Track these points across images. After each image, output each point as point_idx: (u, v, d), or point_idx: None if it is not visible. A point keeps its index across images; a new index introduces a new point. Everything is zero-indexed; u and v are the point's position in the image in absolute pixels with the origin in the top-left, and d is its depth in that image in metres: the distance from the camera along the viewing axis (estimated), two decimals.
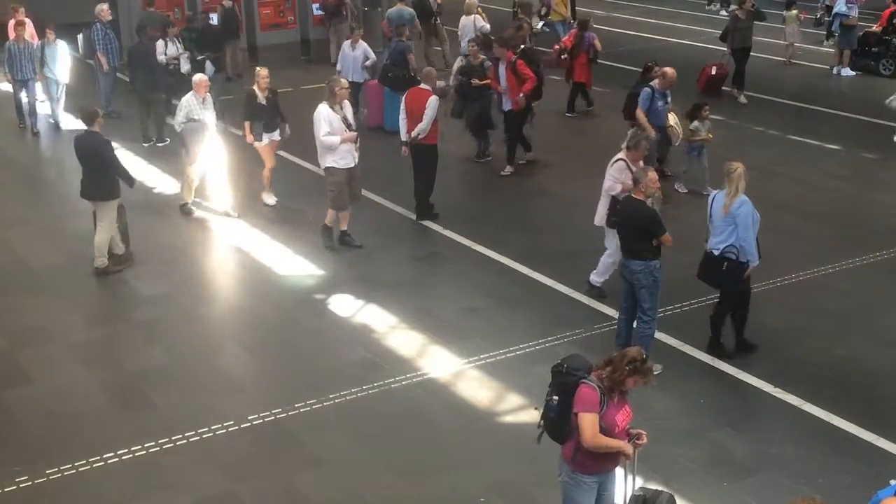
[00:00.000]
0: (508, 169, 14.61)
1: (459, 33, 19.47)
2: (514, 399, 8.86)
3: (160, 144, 16.12)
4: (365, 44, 16.99)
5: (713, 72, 18.75)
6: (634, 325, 9.24)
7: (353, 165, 11.76)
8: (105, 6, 17.70)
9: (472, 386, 9.07)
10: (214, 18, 19.95)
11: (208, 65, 16.68)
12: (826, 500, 5.12)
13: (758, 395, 8.88)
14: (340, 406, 8.75)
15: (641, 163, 10.15)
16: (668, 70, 13.35)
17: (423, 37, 20.98)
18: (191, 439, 8.26)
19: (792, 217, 12.99)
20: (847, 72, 20.67)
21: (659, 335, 9.43)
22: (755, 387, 8.98)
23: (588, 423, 5.93)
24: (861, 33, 20.96)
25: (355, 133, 11.77)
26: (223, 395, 8.97)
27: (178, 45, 16.85)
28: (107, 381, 9.29)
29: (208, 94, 13.01)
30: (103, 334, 10.15)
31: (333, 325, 10.36)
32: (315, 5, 23.91)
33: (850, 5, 20.46)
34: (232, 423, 8.46)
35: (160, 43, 16.57)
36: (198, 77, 13.03)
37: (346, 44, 17.11)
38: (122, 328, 10.29)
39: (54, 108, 17.20)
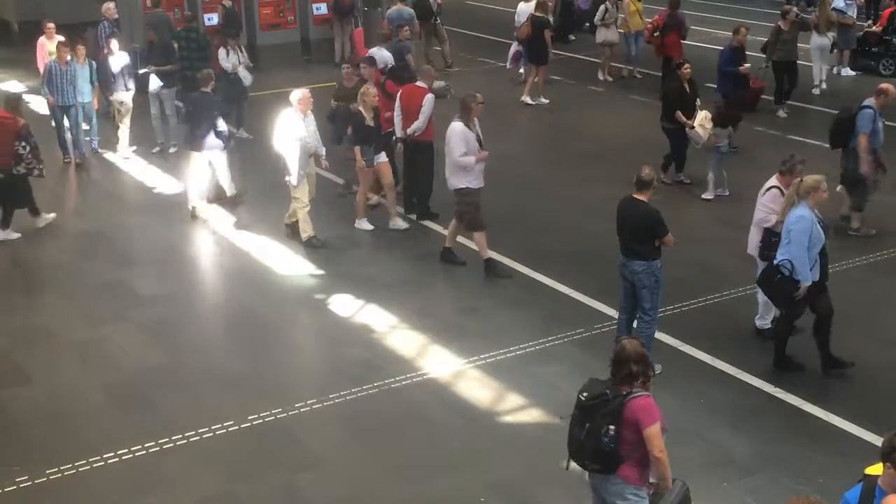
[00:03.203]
0: (375, 198, 13.11)
1: (516, 20, 19.63)
2: (514, 399, 8.86)
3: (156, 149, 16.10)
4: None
5: (751, 85, 17.54)
6: (634, 324, 9.24)
7: (482, 185, 11.21)
8: (111, 4, 17.66)
9: (472, 386, 9.07)
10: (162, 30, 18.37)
11: (153, 78, 15.88)
12: (824, 499, 5.12)
13: (758, 395, 8.88)
14: (340, 406, 8.75)
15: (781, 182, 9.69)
16: (889, 87, 12.39)
17: (423, 37, 21.00)
18: (191, 439, 8.26)
19: None
20: (847, 72, 20.63)
21: (659, 335, 9.43)
22: (755, 387, 8.98)
23: (658, 435, 5.80)
24: (861, 33, 20.94)
25: (487, 153, 11.19)
26: (223, 395, 8.97)
27: (241, 53, 16.45)
28: (107, 381, 9.29)
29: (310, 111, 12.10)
30: (103, 334, 10.15)
31: (333, 325, 10.36)
32: (315, 5, 23.90)
33: (847, 4, 20.40)
34: (232, 423, 8.46)
35: (221, 51, 16.35)
36: (300, 92, 12.00)
37: (380, 49, 15.59)
38: (122, 328, 10.28)
39: (91, 138, 15.86)
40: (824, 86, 19.04)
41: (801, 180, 8.86)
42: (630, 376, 5.91)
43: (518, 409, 8.73)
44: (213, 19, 20.81)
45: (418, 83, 12.81)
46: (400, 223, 12.59)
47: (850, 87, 19.82)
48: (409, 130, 12.50)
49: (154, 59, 16.31)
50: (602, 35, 20.24)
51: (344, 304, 10.71)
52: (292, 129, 11.78)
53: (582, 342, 9.78)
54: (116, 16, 17.87)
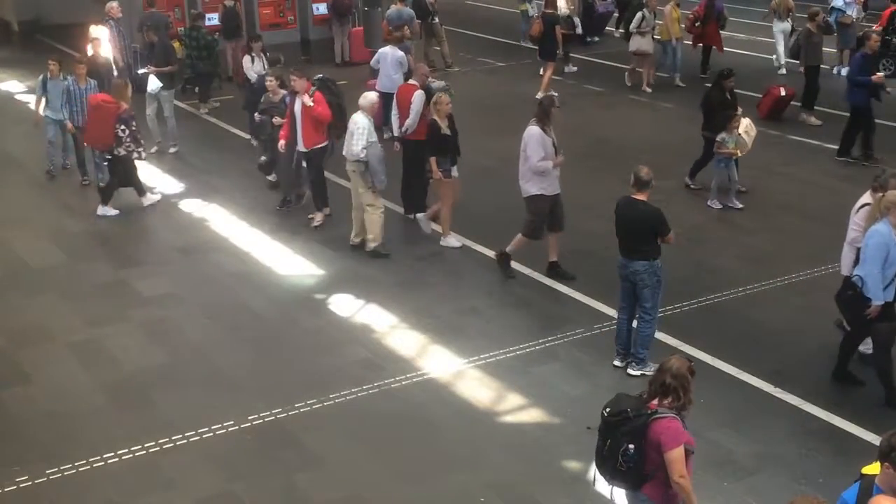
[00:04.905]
0: (319, 217, 12.73)
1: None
2: (514, 399, 8.86)
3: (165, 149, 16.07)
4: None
5: (781, 93, 17.22)
6: (634, 324, 9.24)
7: (559, 191, 10.98)
8: (115, 4, 17.61)
9: (472, 386, 9.07)
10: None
11: (152, 79, 15.73)
12: (827, 500, 5.12)
13: (758, 395, 8.88)
14: (340, 406, 8.75)
15: None
16: None
17: (423, 37, 21.00)
18: (191, 439, 8.26)
19: (792, 217, 13.00)
20: (847, 71, 20.59)
21: (659, 335, 9.43)
22: (755, 387, 8.98)
23: (679, 459, 5.76)
24: (861, 33, 20.90)
25: (563, 157, 10.93)
26: (223, 395, 8.97)
27: (265, 61, 16.10)
28: (107, 381, 9.29)
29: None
30: (103, 334, 10.15)
31: (333, 325, 10.36)
32: (315, 5, 23.94)
33: (847, 3, 20.37)
34: (232, 423, 8.46)
35: (247, 58, 16.20)
36: (373, 96, 11.93)
37: (394, 49, 15.71)
38: (122, 328, 10.28)
39: (64, 156, 15.04)
40: (784, 70, 20.40)
41: (883, 195, 8.53)
42: (663, 388, 5.89)
43: (518, 409, 8.73)
44: (212, 19, 20.83)
45: (411, 81, 12.89)
46: (452, 241, 12.20)
47: None
48: (402, 128, 12.53)
49: (154, 60, 16.25)
50: (636, 43, 19.26)
51: (344, 304, 10.71)
52: (369, 134, 11.48)
53: (582, 342, 9.78)
54: (120, 15, 17.83)
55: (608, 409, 5.92)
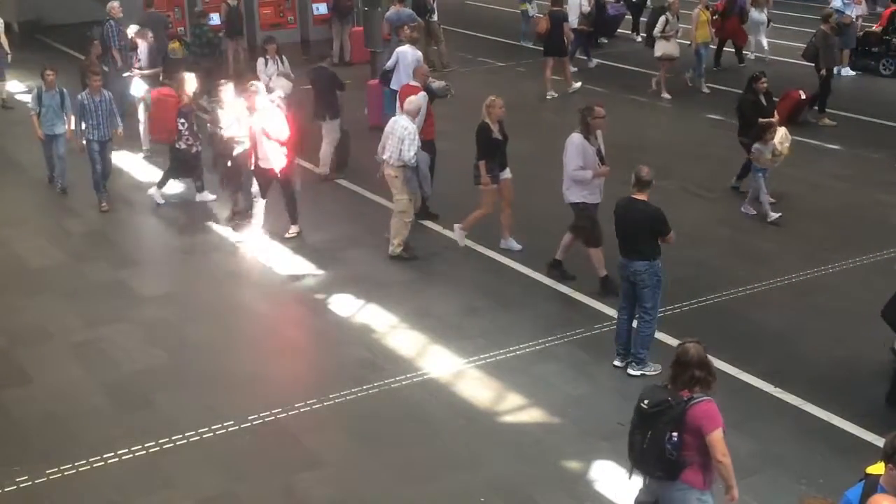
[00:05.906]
0: (293, 230, 12.39)
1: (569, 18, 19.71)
2: (514, 399, 8.86)
3: None
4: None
5: (801, 96, 16.92)
6: (634, 324, 9.23)
7: (600, 201, 10.71)
8: (116, 3, 17.58)
9: (472, 386, 9.07)
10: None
11: (138, 82, 15.59)
12: (832, 500, 5.13)
13: (758, 395, 8.88)
14: (340, 406, 8.75)
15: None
16: None
17: (422, 37, 20.97)
18: (191, 439, 8.26)
19: (792, 217, 12.98)
20: (847, 71, 20.60)
21: (659, 335, 9.42)
22: (755, 387, 8.98)
23: (721, 440, 5.80)
24: (861, 33, 20.93)
25: (608, 168, 10.69)
26: (223, 395, 8.97)
27: (280, 63, 16.01)
28: (107, 381, 9.29)
29: None
30: (103, 334, 10.15)
31: (333, 325, 10.36)
32: (315, 5, 23.95)
33: (846, 3, 20.38)
34: (232, 423, 8.46)
35: (260, 61, 16.08)
36: (419, 101, 11.93)
37: (414, 50, 15.53)
38: (122, 328, 10.28)
39: (61, 173, 14.29)
40: (768, 58, 21.21)
41: None
42: (691, 381, 5.92)
43: (518, 409, 8.73)
44: (212, 19, 20.84)
45: (412, 82, 12.87)
46: (513, 244, 12.01)
47: (851, 87, 19.84)
48: None
49: (139, 63, 16.16)
50: (661, 48, 18.72)
51: (344, 304, 10.71)
52: (417, 140, 11.41)
53: (582, 342, 9.78)
54: (121, 14, 17.81)
55: (647, 401, 5.95)
